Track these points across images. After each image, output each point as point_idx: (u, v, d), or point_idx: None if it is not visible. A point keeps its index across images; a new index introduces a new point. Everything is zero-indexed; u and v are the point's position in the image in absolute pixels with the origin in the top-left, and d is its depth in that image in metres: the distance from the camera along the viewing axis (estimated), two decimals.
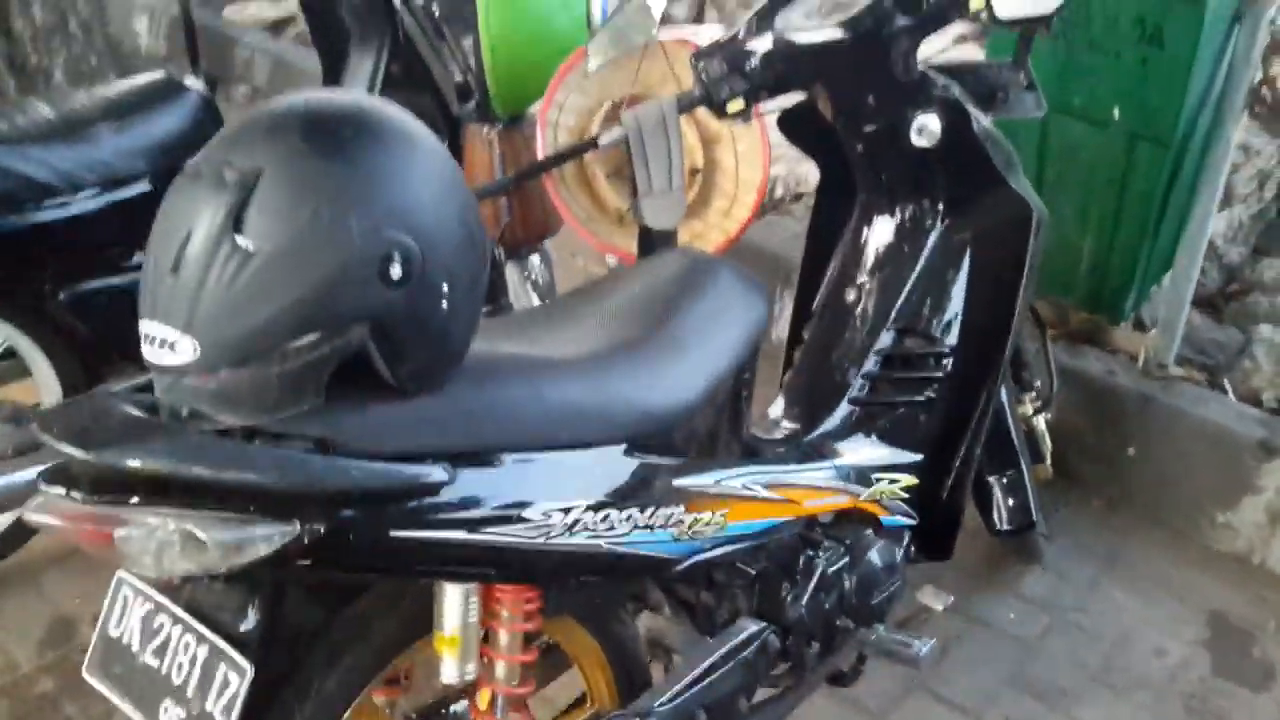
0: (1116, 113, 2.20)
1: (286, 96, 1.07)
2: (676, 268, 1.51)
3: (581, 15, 2.02)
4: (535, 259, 2.79)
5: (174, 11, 2.23)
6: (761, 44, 1.67)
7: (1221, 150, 2.21)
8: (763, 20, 1.69)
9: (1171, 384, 2.46)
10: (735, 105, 1.70)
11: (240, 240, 0.96)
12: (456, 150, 2.27)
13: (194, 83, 2.07)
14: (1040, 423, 2.17)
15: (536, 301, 2.82)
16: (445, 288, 1.04)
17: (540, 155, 1.90)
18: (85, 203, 1.88)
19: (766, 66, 1.67)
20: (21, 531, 2.04)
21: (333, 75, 2.38)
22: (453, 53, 2.18)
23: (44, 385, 2.05)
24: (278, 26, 4.69)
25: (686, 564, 1.37)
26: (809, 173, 3.10)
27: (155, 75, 2.08)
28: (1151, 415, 2.45)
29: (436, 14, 2.14)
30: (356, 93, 1.10)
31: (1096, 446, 2.50)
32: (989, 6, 1.56)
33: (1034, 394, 2.15)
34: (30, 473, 1.43)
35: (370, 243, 0.98)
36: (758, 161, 1.98)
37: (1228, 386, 2.52)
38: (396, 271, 1.00)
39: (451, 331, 1.08)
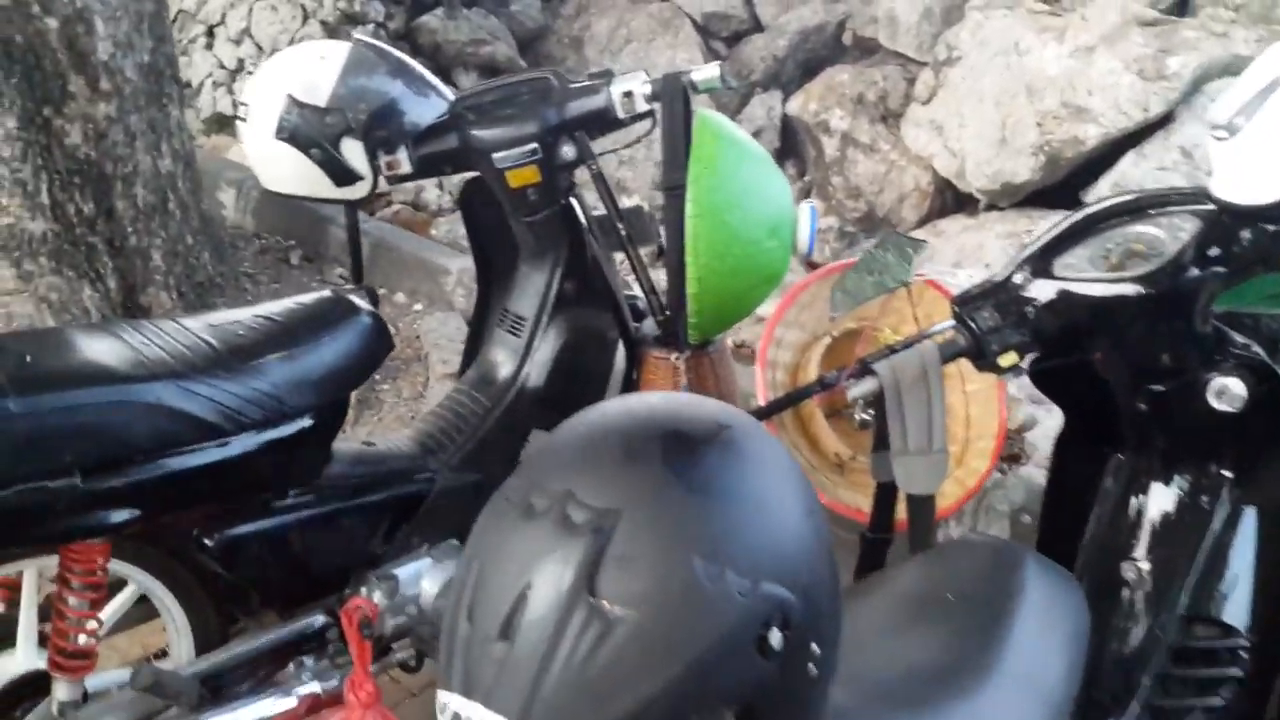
0: None
1: (628, 405, 0.86)
2: (983, 563, 1.28)
3: (788, 241, 1.86)
4: None
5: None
6: (1042, 292, 1.48)
7: None
8: (1037, 264, 1.51)
9: None
10: (1009, 359, 1.50)
11: (598, 603, 0.74)
12: (633, 373, 2.07)
13: (362, 301, 1.87)
14: None
15: None
16: (816, 648, 0.81)
17: (761, 396, 1.70)
18: (246, 441, 1.65)
19: (1049, 318, 1.47)
20: None
21: (490, 286, 2.20)
22: (636, 271, 2.00)
23: (176, 634, 1.81)
24: (371, 203, 4.56)
25: None
26: None
27: (323, 294, 1.86)
28: None
29: (624, 232, 1.96)
30: (698, 400, 0.89)
31: None
32: None
33: None
34: None
35: (752, 604, 0.76)
36: (992, 402, 1.77)
37: None
38: (776, 639, 0.76)
39: (817, 703, 0.85)
